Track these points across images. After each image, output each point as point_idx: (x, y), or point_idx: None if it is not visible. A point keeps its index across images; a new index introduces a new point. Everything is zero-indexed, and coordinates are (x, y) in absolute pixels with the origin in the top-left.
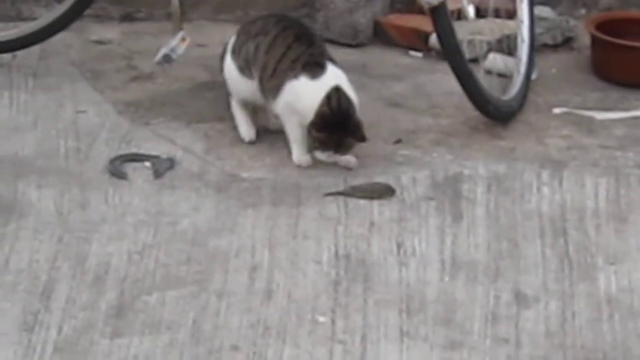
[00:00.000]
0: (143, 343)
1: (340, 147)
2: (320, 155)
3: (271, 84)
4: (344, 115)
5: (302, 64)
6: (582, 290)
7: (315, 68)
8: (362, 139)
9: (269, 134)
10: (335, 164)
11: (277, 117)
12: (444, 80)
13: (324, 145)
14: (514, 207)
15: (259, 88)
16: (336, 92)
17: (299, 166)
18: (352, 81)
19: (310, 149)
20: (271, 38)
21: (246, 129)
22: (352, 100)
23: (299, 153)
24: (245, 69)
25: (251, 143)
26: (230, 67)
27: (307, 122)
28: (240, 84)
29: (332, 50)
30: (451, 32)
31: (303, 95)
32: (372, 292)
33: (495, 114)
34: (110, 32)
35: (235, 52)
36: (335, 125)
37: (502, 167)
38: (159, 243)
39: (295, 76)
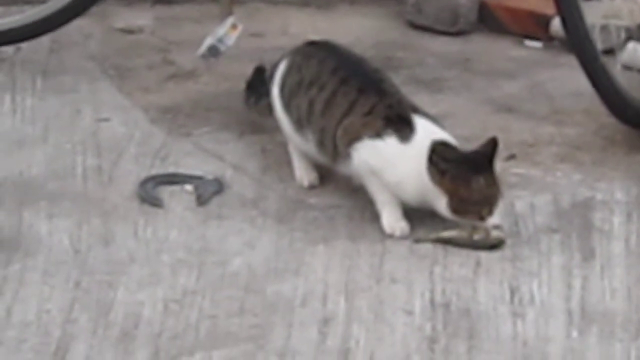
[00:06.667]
0: None
1: (496, 193)
2: (493, 219)
3: (334, 148)
4: (466, 156)
5: (382, 117)
6: None
7: (401, 126)
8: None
9: None
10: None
11: (350, 178)
12: (570, 77)
13: (490, 200)
14: None
15: (317, 151)
16: (438, 148)
17: (391, 236)
18: (452, 80)
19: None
20: (328, 95)
21: (304, 171)
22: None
23: (391, 218)
24: (298, 127)
25: (312, 187)
26: (279, 110)
27: (395, 194)
28: (293, 137)
29: (427, 40)
30: (579, 16)
31: (391, 163)
32: (478, 352)
33: (637, 120)
34: (141, 17)
35: (284, 99)
36: (471, 167)
37: None
38: (204, 289)
39: (378, 134)
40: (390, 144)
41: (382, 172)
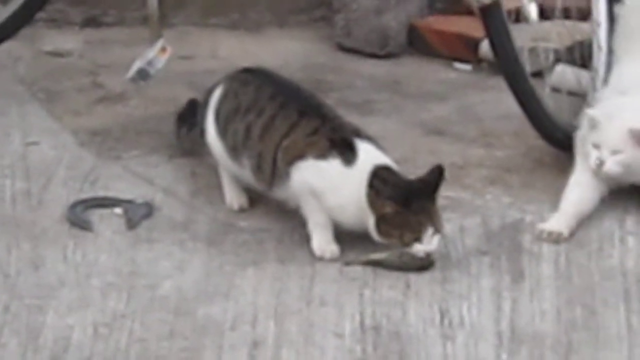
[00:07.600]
0: None
1: (436, 218)
2: (421, 247)
3: (272, 171)
4: (407, 181)
5: (327, 139)
6: None
7: (345, 149)
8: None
9: None
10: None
11: (285, 202)
12: (499, 100)
13: (418, 227)
14: (590, 264)
15: (253, 177)
16: (379, 171)
17: (321, 258)
18: (382, 102)
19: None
20: (266, 119)
21: (234, 194)
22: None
23: (322, 241)
24: (233, 153)
25: (242, 211)
26: (212, 136)
27: (334, 217)
28: (227, 163)
29: (356, 63)
30: (508, 38)
31: (334, 185)
32: None
33: (565, 143)
34: (70, 40)
35: (220, 125)
36: (412, 194)
37: None
38: (134, 312)
39: (323, 155)
40: (334, 166)
41: (324, 194)
